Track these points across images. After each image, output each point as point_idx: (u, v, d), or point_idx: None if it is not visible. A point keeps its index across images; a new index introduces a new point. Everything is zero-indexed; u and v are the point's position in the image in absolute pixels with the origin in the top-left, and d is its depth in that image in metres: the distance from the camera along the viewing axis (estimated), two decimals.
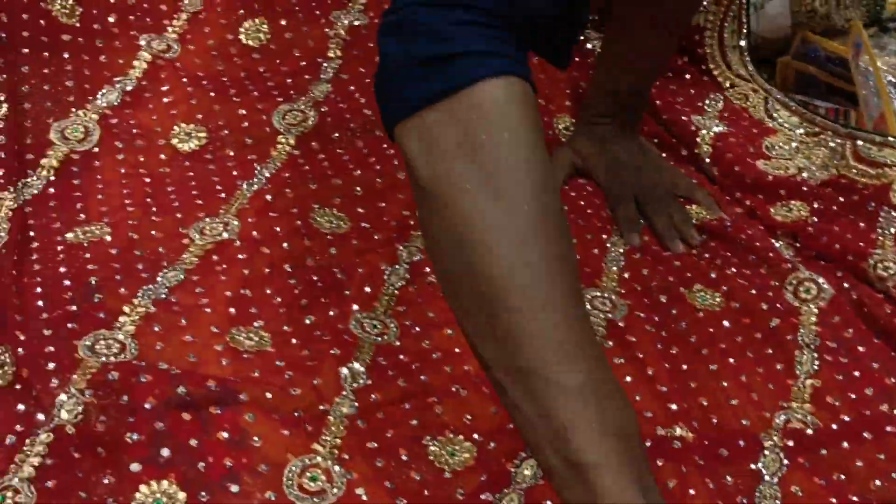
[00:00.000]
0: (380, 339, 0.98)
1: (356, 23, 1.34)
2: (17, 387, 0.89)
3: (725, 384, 1.00)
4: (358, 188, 1.15)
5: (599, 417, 0.62)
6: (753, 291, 1.11)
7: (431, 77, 0.65)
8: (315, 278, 1.03)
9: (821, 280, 1.11)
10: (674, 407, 0.98)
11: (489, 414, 0.92)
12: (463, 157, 0.64)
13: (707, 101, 1.35)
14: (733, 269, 1.13)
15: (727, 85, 1.38)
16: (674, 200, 1.22)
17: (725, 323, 1.07)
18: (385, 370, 0.95)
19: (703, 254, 1.17)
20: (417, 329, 1.00)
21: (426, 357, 0.97)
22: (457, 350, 0.98)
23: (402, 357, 0.97)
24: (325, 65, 1.30)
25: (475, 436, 0.90)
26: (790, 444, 0.95)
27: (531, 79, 0.68)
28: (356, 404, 0.91)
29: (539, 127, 0.67)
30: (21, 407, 0.88)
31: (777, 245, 1.17)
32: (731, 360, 1.03)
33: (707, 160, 1.28)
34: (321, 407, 0.90)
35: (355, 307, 1.01)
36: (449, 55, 0.65)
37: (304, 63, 1.30)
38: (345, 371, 0.94)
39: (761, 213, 1.21)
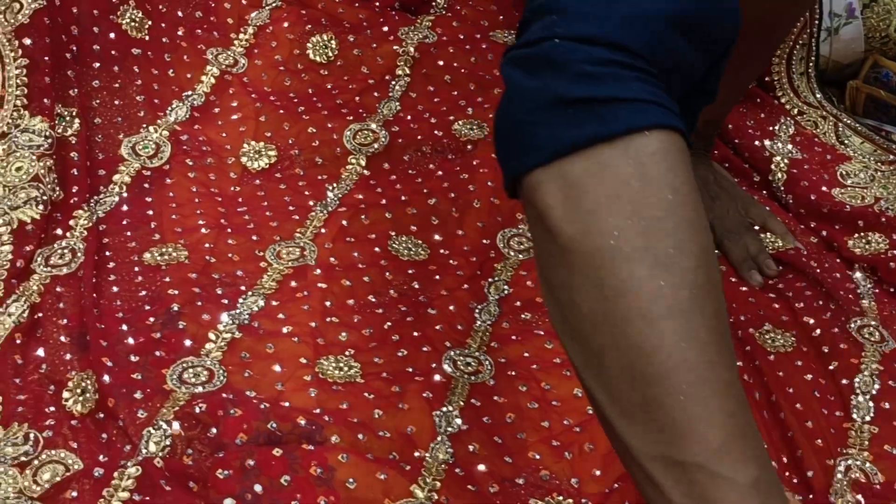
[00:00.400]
0: (474, 377, 0.96)
1: (426, 40, 1.33)
2: (100, 415, 0.89)
3: (791, 434, 0.95)
4: (434, 218, 1.14)
5: None
6: (818, 332, 1.06)
7: (580, 120, 0.57)
8: (403, 308, 1.02)
9: (884, 331, 1.07)
10: None
11: (595, 477, 0.88)
12: (618, 214, 0.56)
13: (778, 126, 1.34)
14: (802, 304, 1.10)
15: (795, 112, 1.36)
16: (749, 229, 1.20)
17: (798, 362, 1.03)
18: (480, 415, 0.92)
19: (774, 285, 1.14)
20: (513, 372, 0.97)
21: (522, 406, 0.94)
22: (554, 404, 0.95)
23: (497, 399, 0.94)
24: (393, 82, 1.29)
25: (584, 500, 0.87)
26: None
27: (687, 135, 0.60)
28: (451, 450, 0.88)
29: (697, 188, 0.59)
30: (104, 436, 0.87)
31: (855, 276, 1.15)
32: (798, 406, 0.99)
33: (782, 187, 1.26)
34: (416, 454, 0.87)
35: (448, 343, 0.99)
36: (602, 98, 0.57)
37: (372, 81, 1.29)
38: (438, 415, 0.91)
39: (838, 245, 1.19)
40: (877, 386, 1.00)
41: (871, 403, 0.98)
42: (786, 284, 1.14)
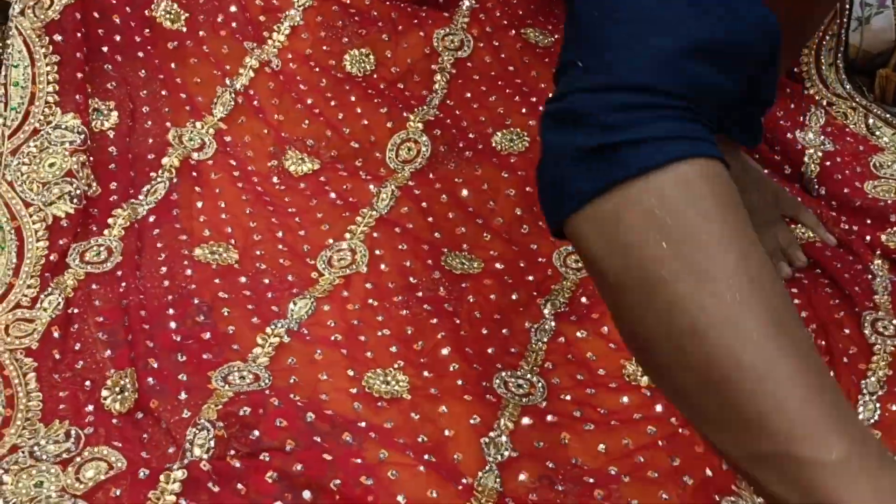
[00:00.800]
0: (525, 399, 0.94)
1: (460, 54, 1.30)
2: (139, 415, 0.89)
3: None
4: (486, 234, 1.12)
5: (872, 486, 0.56)
6: (832, 329, 1.04)
7: (603, 167, 0.62)
8: (457, 321, 1.01)
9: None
10: None
11: (657, 500, 0.85)
12: (650, 243, 0.60)
13: (808, 116, 1.32)
14: (822, 298, 1.08)
15: (824, 104, 1.35)
16: (779, 221, 1.19)
17: None
18: (532, 439, 0.90)
19: (799, 279, 1.12)
20: (567, 396, 0.95)
21: (577, 430, 0.91)
22: (613, 423, 0.92)
23: (550, 420, 0.92)
24: (435, 83, 1.27)
25: None
26: None
27: (720, 155, 0.63)
28: (500, 478, 0.86)
29: (734, 199, 0.63)
30: (145, 436, 0.87)
31: (873, 265, 1.12)
32: None
33: (815, 179, 1.25)
34: (464, 481, 0.85)
35: (499, 366, 0.97)
36: (619, 143, 0.61)
37: (408, 93, 1.27)
38: (486, 442, 0.89)
39: (871, 239, 1.18)
40: (884, 390, 0.97)
41: (877, 405, 0.96)
42: (809, 279, 1.13)
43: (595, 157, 0.62)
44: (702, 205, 0.61)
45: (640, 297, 0.61)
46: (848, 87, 1.37)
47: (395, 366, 0.95)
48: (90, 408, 0.89)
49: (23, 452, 0.84)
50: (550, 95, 0.67)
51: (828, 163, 1.26)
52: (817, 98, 1.35)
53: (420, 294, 1.04)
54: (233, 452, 0.84)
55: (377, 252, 1.07)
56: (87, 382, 0.91)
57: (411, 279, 1.05)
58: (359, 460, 0.84)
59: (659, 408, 0.92)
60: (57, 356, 0.93)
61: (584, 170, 0.63)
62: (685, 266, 0.59)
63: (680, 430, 0.90)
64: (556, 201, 0.65)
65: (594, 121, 0.62)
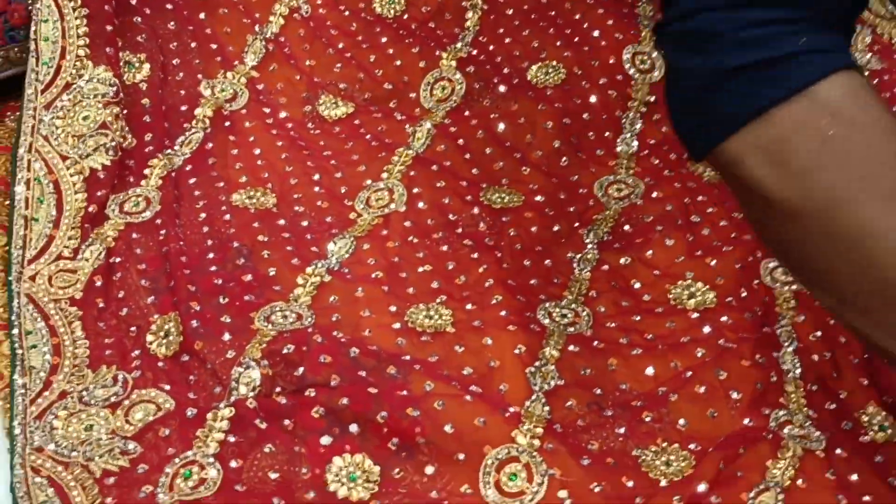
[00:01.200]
0: (571, 328, 0.92)
1: None
2: (185, 357, 0.89)
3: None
4: (525, 168, 1.10)
5: None
6: None
7: (754, 87, 0.58)
8: (498, 255, 0.99)
9: None
10: None
11: (705, 417, 0.83)
12: (829, 166, 0.57)
13: (854, 35, 1.28)
14: None
15: (867, 24, 1.31)
16: None
17: None
18: (578, 367, 0.88)
19: None
20: (613, 324, 0.93)
21: (624, 354, 0.89)
22: (661, 347, 0.89)
23: (596, 346, 0.90)
24: (467, 20, 1.25)
25: (691, 445, 0.81)
26: None
27: (858, 66, 0.60)
28: (548, 407, 0.84)
29: (890, 108, 0.59)
30: (192, 378, 0.87)
31: None
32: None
33: None
34: (511, 409, 0.84)
35: (542, 297, 0.95)
36: (769, 60, 0.58)
37: (440, 32, 1.24)
38: (532, 371, 0.87)
39: None
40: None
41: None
42: None
43: (742, 77, 0.59)
44: (875, 117, 0.57)
45: (819, 225, 0.58)
46: (890, 6, 1.33)
47: (438, 300, 0.94)
48: (136, 352, 0.89)
49: (71, 398, 0.85)
50: (663, 16, 0.64)
51: (875, 80, 1.22)
52: (862, 17, 1.31)
53: (460, 230, 1.02)
54: (278, 390, 0.84)
55: (415, 190, 1.06)
56: (132, 328, 0.91)
57: (450, 216, 1.04)
58: (404, 392, 0.83)
59: (707, 329, 0.90)
60: (101, 304, 0.93)
61: (732, 91, 0.59)
62: (870, 187, 0.56)
63: (729, 347, 0.88)
64: (701, 127, 0.62)
65: (735, 38, 0.59)
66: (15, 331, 0.90)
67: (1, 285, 0.96)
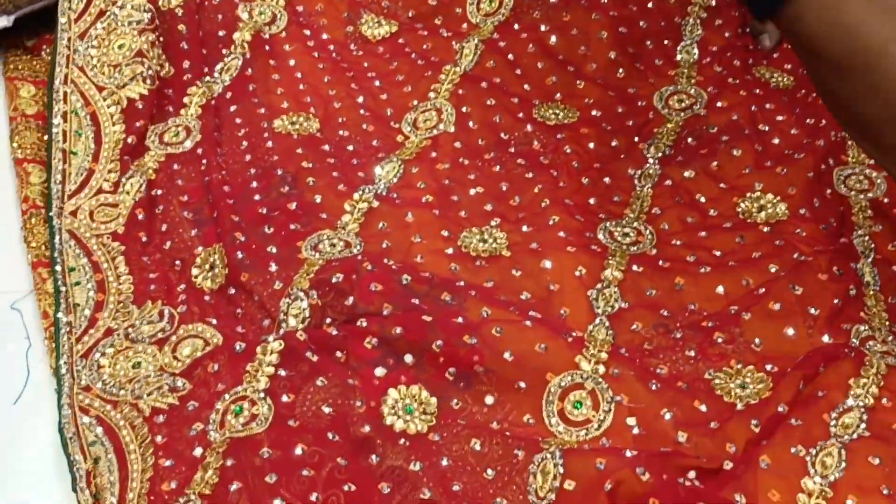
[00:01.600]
0: (634, 248, 0.87)
1: None
2: (231, 290, 0.86)
3: None
4: (579, 82, 1.05)
5: None
6: None
7: None
8: (554, 173, 0.94)
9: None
10: None
11: (781, 335, 0.78)
12: (875, 21, 0.60)
13: None
14: None
15: None
16: None
17: None
18: (643, 288, 0.83)
19: None
20: (678, 242, 0.88)
21: (691, 272, 0.84)
22: (731, 263, 0.85)
23: (662, 264, 0.85)
24: None
25: (768, 366, 0.77)
26: None
27: None
28: (612, 331, 0.80)
29: None
30: (239, 311, 0.84)
31: None
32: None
33: None
34: (574, 334, 0.79)
35: (602, 215, 0.90)
36: None
37: None
38: (593, 294, 0.83)
39: None
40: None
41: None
42: None
43: None
44: None
45: (865, 79, 0.61)
46: None
47: (492, 223, 0.90)
48: (182, 287, 0.86)
49: (118, 335, 0.83)
50: None
51: None
52: None
53: (513, 149, 0.98)
54: (329, 320, 0.81)
55: (464, 109, 1.01)
56: (177, 262, 0.88)
57: (502, 135, 0.99)
58: (460, 319, 0.80)
59: (779, 242, 0.85)
60: (144, 238, 0.90)
61: None
62: None
63: (804, 260, 0.83)
64: None
65: None
66: (58, 267, 0.87)
67: (42, 222, 0.93)
